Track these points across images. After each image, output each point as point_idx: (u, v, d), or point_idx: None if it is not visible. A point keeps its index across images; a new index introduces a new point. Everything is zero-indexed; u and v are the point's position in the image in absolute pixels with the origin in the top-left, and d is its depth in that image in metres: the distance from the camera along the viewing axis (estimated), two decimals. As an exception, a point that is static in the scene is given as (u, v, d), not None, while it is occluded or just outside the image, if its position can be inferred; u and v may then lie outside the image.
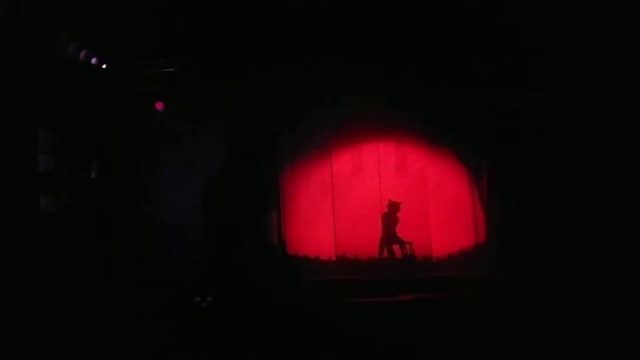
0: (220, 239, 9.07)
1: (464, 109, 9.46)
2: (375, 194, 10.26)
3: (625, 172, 7.62)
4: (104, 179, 8.21)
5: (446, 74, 9.06)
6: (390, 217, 10.08)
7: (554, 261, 8.07)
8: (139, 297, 7.24)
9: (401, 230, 10.03)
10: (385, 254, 10.02)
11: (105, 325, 6.11)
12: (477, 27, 8.19)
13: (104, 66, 8.58)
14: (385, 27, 8.34)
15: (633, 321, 5.47)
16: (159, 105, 9.12)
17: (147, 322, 6.50)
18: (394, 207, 10.06)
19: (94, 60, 8.42)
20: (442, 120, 9.85)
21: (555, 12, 7.50)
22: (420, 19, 8.15)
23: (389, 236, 10.03)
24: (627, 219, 7.65)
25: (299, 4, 7.74)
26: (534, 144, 8.76)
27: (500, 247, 9.37)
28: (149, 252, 8.15)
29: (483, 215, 10.09)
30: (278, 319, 6.48)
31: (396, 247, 10.03)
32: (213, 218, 9.13)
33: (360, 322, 6.39)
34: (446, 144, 10.23)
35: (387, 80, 9.29)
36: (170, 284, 7.81)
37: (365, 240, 10.09)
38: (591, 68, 7.75)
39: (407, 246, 9.99)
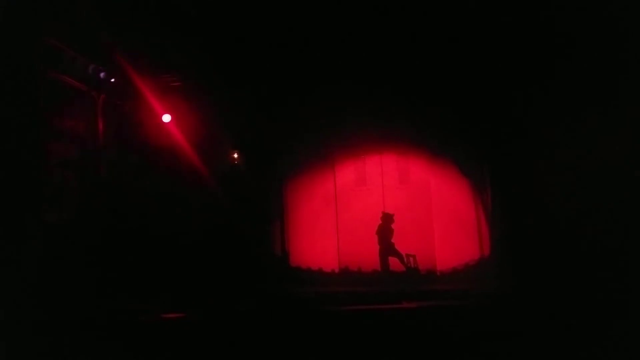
0: (224, 249, 9.11)
1: (467, 121, 9.55)
2: (378, 205, 10.28)
3: (630, 182, 7.63)
4: (112, 189, 8.33)
5: (448, 86, 9.12)
6: (384, 229, 10.05)
7: (558, 272, 8.04)
8: (141, 302, 7.27)
9: (405, 242, 10.03)
10: (386, 266, 10.00)
11: (110, 331, 6.15)
12: (477, 39, 8.29)
13: (112, 80, 8.78)
14: (387, 42, 8.47)
15: (637, 330, 5.43)
16: (166, 118, 9.28)
17: (147, 327, 6.52)
18: (387, 218, 10.05)
19: (102, 75, 8.60)
20: (445, 133, 9.93)
21: (555, 19, 7.59)
22: (421, 34, 8.28)
23: (386, 248, 10.01)
24: (631, 228, 7.64)
25: (305, 19, 7.89)
26: (537, 154, 8.79)
27: (504, 258, 9.34)
28: (153, 261, 8.21)
29: (486, 226, 10.08)
30: (281, 327, 6.47)
31: (395, 260, 9.97)
32: (217, 228, 9.19)
33: (362, 328, 6.38)
34: (449, 155, 10.29)
35: (390, 93, 9.37)
36: (171, 292, 7.84)
37: (368, 252, 10.09)
38: (594, 74, 7.79)
39: (411, 259, 9.97)
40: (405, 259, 9.95)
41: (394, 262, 10.01)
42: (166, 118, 9.26)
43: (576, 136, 8.15)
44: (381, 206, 10.32)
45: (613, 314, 6.11)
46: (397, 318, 7.02)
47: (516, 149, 9.08)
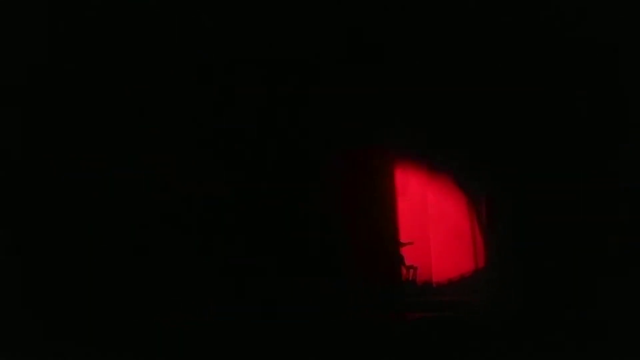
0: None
1: (465, 134, 9.57)
2: (375, 217, 10.25)
3: (632, 196, 7.62)
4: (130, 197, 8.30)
5: (447, 97, 9.16)
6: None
7: (555, 285, 8.03)
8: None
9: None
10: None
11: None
12: (482, 52, 8.34)
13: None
14: (394, 51, 8.53)
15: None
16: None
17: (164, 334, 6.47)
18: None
19: None
20: (442, 145, 9.95)
21: (564, 36, 7.67)
22: (430, 46, 8.33)
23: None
24: (632, 241, 7.62)
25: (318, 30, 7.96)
26: (536, 167, 8.79)
27: (500, 271, 9.32)
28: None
29: (483, 239, 10.10)
30: (278, 335, 6.45)
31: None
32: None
33: (356, 339, 6.38)
34: (446, 168, 10.33)
35: (387, 104, 9.40)
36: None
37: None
38: (599, 92, 7.85)
39: (412, 271, 9.95)
40: (405, 270, 9.91)
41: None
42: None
43: (578, 150, 8.18)
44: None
45: (614, 325, 6.11)
46: (392, 330, 7.02)
47: (515, 163, 9.08)
